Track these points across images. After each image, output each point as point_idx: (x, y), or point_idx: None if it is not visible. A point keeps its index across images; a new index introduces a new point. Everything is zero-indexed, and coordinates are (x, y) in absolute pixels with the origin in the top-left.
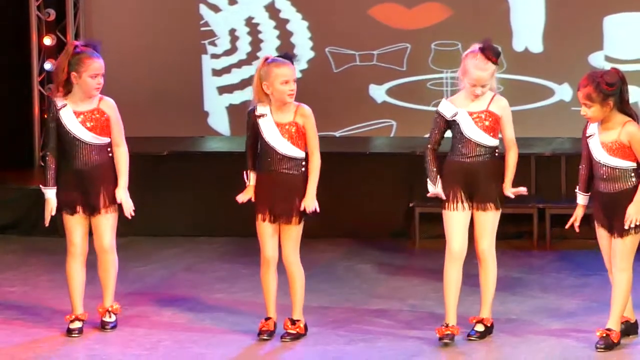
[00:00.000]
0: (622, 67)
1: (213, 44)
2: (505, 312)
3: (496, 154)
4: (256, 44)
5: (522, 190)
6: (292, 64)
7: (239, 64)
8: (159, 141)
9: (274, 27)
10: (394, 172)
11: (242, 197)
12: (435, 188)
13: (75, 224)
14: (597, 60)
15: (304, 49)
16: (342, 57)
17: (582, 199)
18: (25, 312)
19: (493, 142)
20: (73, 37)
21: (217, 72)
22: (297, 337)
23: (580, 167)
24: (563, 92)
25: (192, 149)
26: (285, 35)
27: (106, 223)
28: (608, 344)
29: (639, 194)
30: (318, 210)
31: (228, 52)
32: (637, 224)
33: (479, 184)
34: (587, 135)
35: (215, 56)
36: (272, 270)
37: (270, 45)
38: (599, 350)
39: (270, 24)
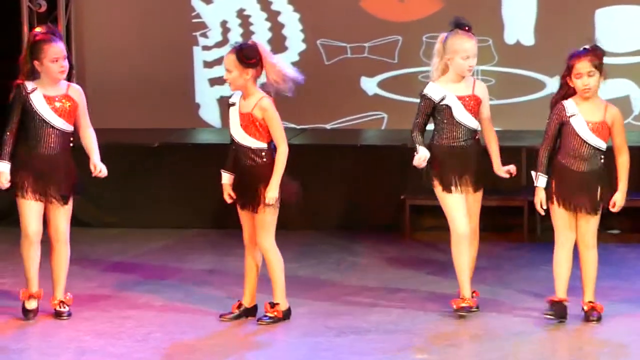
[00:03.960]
0: (614, 60)
1: (204, 35)
2: (496, 305)
3: (477, 137)
4: (247, 36)
5: (512, 168)
6: (233, 52)
7: None
8: (150, 132)
9: (265, 19)
10: (385, 165)
11: None
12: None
13: (32, 210)
14: None
15: (295, 41)
16: (334, 49)
17: (544, 181)
18: (17, 302)
19: (477, 125)
20: (64, 28)
21: (208, 64)
22: (275, 320)
23: (541, 148)
24: (554, 85)
25: (183, 141)
26: (276, 27)
27: (64, 213)
28: (599, 316)
29: (624, 181)
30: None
31: (219, 44)
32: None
33: (470, 166)
34: (568, 115)
35: (206, 48)
36: (249, 256)
37: (261, 37)
38: (593, 320)
39: (262, 16)
